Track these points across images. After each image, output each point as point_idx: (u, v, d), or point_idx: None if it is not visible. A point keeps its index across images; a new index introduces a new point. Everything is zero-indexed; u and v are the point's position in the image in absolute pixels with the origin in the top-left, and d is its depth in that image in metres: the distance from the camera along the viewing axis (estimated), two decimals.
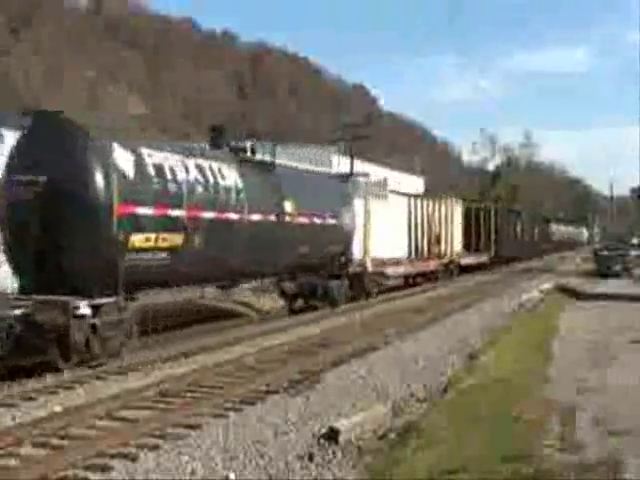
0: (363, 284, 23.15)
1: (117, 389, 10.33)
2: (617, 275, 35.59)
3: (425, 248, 33.92)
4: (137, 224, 12.44)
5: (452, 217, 36.96)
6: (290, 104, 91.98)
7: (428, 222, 34.20)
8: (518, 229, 52.58)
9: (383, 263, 26.08)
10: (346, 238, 21.52)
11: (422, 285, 30.08)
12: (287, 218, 17.52)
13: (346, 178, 24.64)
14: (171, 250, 13.23)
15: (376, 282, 24.55)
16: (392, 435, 8.05)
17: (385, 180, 33.24)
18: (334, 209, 20.54)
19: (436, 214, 35.26)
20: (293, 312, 19.23)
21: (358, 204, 23.95)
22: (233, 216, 15.22)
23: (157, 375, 11.35)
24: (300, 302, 19.98)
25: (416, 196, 35.60)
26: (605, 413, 8.40)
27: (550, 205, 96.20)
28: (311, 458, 7.33)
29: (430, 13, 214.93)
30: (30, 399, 9.72)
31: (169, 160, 13.65)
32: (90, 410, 9.01)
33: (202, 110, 67.94)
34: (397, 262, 28.35)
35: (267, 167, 17.84)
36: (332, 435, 7.82)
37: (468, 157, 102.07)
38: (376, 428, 8.27)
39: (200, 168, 14.53)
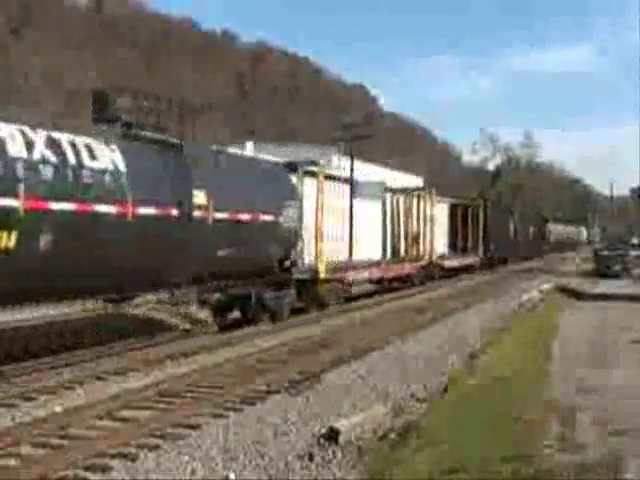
0: (316, 293, 19.81)
1: (117, 389, 10.33)
2: (617, 275, 35.61)
3: (402, 249, 31.40)
4: None
5: (433, 215, 33.78)
6: (290, 104, 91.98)
7: (405, 220, 31.60)
8: (510, 229, 50.05)
9: (344, 268, 22.78)
10: (289, 238, 17.82)
11: (400, 291, 26.98)
12: (197, 213, 13.85)
13: (293, 167, 20.21)
14: None
15: (335, 290, 21.07)
16: (392, 435, 8.04)
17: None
18: (272, 204, 16.82)
19: (414, 211, 32.39)
20: (224, 329, 16.04)
21: (310, 198, 20.56)
22: (105, 209, 11.58)
23: (157, 375, 11.35)
24: (237, 315, 17.08)
25: (393, 190, 32.11)
26: (605, 413, 8.41)
27: (550, 205, 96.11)
28: (311, 458, 7.33)
29: (430, 13, 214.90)
30: (30, 399, 9.72)
31: None
32: (90, 410, 9.01)
33: (202, 110, 67.93)
34: (364, 266, 24.86)
35: (170, 147, 13.81)
36: (332, 435, 7.82)
37: (468, 157, 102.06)
38: (376, 428, 8.27)
39: (54, 144, 10.90)
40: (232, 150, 23.32)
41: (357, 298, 23.51)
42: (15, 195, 9.99)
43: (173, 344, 14.05)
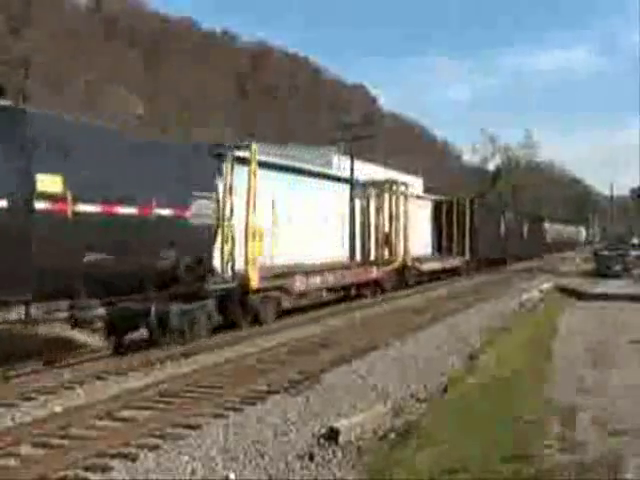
0: (246, 306, 16.34)
1: (117, 389, 10.33)
2: (617, 275, 35.63)
3: (373, 250, 28.01)
4: None
5: (410, 212, 30.23)
6: (290, 104, 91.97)
7: (377, 217, 28.16)
8: (501, 228, 46.50)
9: (289, 274, 18.81)
10: (202, 239, 14.56)
11: (369, 297, 24.35)
12: (44, 205, 10.45)
13: (219, 151, 16.21)
14: None
15: (273, 302, 17.57)
16: (392, 435, 8.05)
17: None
18: (177, 195, 13.48)
19: (386, 206, 28.60)
20: (120, 352, 12.99)
21: (240, 190, 16.39)
22: None
23: (157, 375, 11.35)
24: (143, 333, 13.69)
25: (364, 184, 28.66)
26: (605, 413, 8.41)
27: (550, 205, 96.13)
28: (311, 458, 7.33)
29: (430, 13, 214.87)
30: (30, 399, 9.73)
31: None
32: (90, 410, 9.01)
33: (202, 110, 67.97)
34: (318, 271, 20.80)
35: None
36: (332, 435, 7.82)
37: (468, 157, 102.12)
38: (376, 428, 8.27)
39: None
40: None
41: (313, 306, 21.37)
42: None
43: (173, 344, 14.02)
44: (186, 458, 7.28)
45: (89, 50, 62.62)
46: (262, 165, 18.28)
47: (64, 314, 11.54)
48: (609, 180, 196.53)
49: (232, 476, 6.83)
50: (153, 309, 12.94)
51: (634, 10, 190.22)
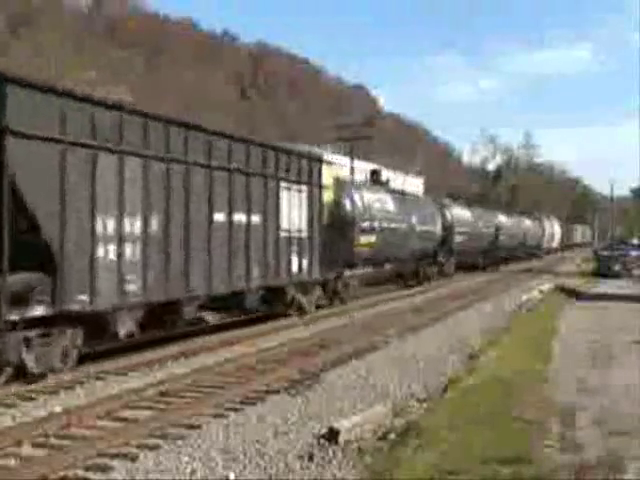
0: None
1: (117, 389, 10.33)
2: (617, 275, 35.65)
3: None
4: None
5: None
6: (290, 104, 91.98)
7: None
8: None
9: None
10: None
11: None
12: None
13: None
14: None
15: None
16: (392, 435, 8.05)
17: None
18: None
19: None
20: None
21: None
22: None
23: (157, 375, 11.35)
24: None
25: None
26: (605, 413, 8.41)
27: (550, 205, 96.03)
28: (311, 458, 7.33)
29: (431, 13, 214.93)
30: (30, 399, 9.72)
31: None
32: (90, 410, 9.01)
33: (202, 110, 67.95)
34: None
35: None
36: (332, 435, 7.81)
37: (468, 157, 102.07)
38: (376, 428, 8.27)
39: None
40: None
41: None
42: None
43: (173, 344, 14.03)
44: (186, 458, 7.27)
45: (89, 50, 62.62)
46: None
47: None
48: (609, 180, 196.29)
49: (232, 476, 6.83)
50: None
51: (634, 10, 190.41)
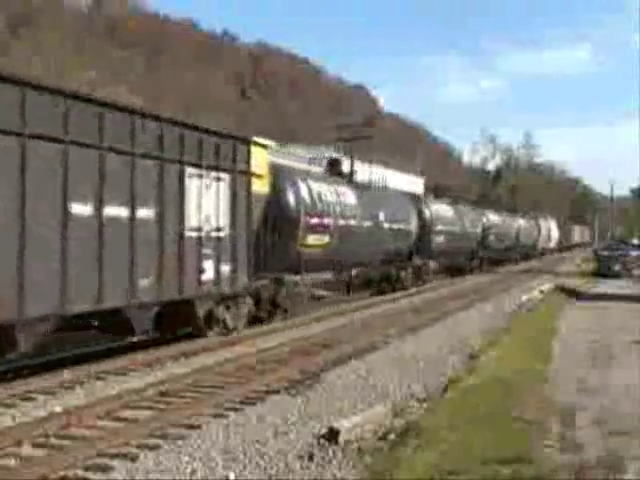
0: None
1: (117, 389, 10.32)
2: (617, 275, 35.66)
3: None
4: None
5: None
6: (290, 104, 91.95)
7: None
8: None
9: None
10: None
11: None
12: None
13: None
14: None
15: None
16: (392, 435, 8.05)
17: None
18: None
19: None
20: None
21: None
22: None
23: (157, 375, 11.35)
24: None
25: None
26: (605, 413, 8.41)
27: (550, 205, 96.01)
28: (311, 458, 7.33)
29: (431, 13, 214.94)
30: (30, 399, 9.72)
31: None
32: (90, 410, 9.01)
33: (202, 110, 67.97)
34: None
35: None
36: (332, 435, 7.81)
37: (468, 157, 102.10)
38: (376, 428, 8.27)
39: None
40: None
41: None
42: None
43: (173, 344, 14.03)
44: (186, 458, 7.27)
45: (89, 50, 62.62)
46: None
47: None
48: (609, 180, 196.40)
49: (232, 476, 6.83)
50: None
51: (634, 10, 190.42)
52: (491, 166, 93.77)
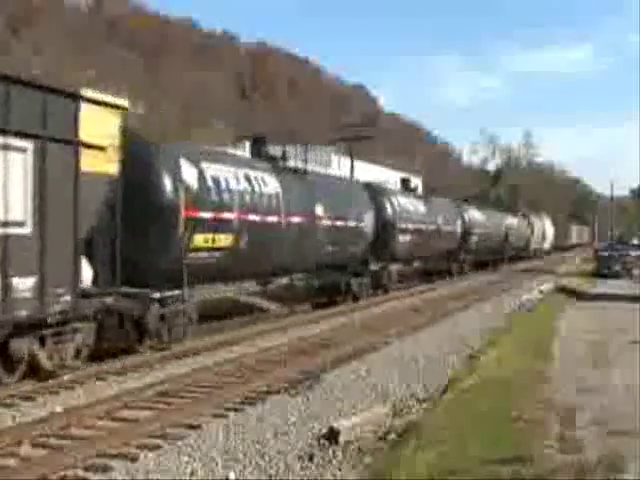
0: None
1: (117, 389, 10.33)
2: (617, 275, 35.66)
3: None
4: None
5: None
6: (290, 104, 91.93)
7: None
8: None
9: None
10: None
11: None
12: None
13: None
14: None
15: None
16: (392, 435, 8.05)
17: None
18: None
19: None
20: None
21: None
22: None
23: (157, 375, 11.35)
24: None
25: None
26: (605, 413, 8.41)
27: (550, 205, 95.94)
28: (311, 458, 7.33)
29: (431, 13, 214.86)
30: (30, 399, 9.72)
31: None
32: (90, 410, 9.01)
33: (202, 110, 67.96)
34: None
35: None
36: (332, 435, 7.82)
37: (468, 157, 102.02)
38: (376, 428, 8.28)
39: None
40: (232, 151, 22.77)
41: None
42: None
43: (173, 344, 14.02)
44: (186, 458, 7.27)
45: (89, 50, 62.61)
46: None
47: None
48: (609, 180, 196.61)
49: (232, 476, 6.83)
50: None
51: (634, 11, 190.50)
52: (491, 166, 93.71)
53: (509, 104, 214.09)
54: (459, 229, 34.40)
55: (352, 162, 30.97)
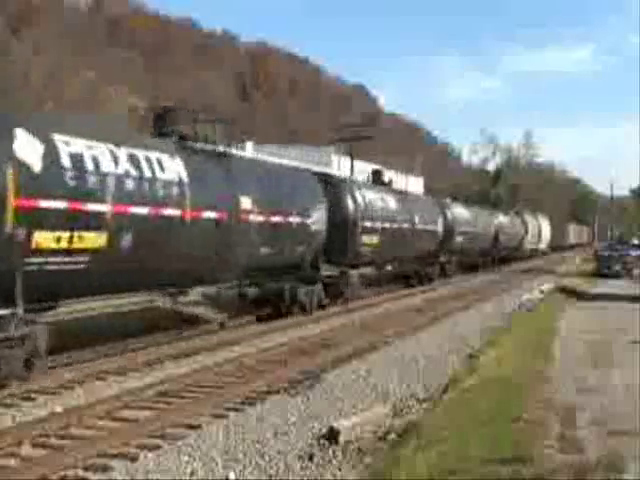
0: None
1: (117, 389, 10.33)
2: (617, 275, 35.65)
3: None
4: None
5: None
6: (290, 104, 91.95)
7: None
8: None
9: None
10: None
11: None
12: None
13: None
14: None
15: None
16: (392, 435, 8.04)
17: None
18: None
19: None
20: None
21: None
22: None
23: (157, 375, 11.34)
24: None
25: None
26: (605, 413, 8.41)
27: (550, 205, 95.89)
28: (311, 458, 7.33)
29: (431, 13, 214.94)
30: (30, 399, 9.72)
31: None
32: (90, 410, 9.01)
33: (202, 110, 67.94)
34: None
35: None
36: (332, 435, 7.82)
37: (468, 157, 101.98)
38: (376, 428, 8.27)
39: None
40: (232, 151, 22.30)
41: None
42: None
43: (174, 344, 14.02)
44: (186, 458, 7.27)
45: (89, 50, 62.62)
46: None
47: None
48: (609, 180, 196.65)
49: (232, 476, 6.83)
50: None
51: (634, 10, 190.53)
52: (491, 166, 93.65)
53: (510, 104, 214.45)
54: (440, 228, 30.82)
55: (352, 162, 30.95)
